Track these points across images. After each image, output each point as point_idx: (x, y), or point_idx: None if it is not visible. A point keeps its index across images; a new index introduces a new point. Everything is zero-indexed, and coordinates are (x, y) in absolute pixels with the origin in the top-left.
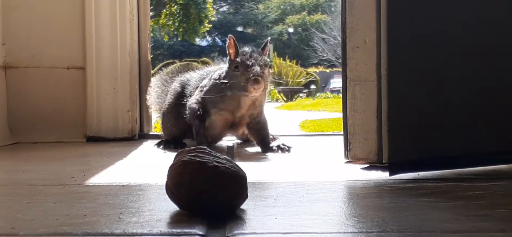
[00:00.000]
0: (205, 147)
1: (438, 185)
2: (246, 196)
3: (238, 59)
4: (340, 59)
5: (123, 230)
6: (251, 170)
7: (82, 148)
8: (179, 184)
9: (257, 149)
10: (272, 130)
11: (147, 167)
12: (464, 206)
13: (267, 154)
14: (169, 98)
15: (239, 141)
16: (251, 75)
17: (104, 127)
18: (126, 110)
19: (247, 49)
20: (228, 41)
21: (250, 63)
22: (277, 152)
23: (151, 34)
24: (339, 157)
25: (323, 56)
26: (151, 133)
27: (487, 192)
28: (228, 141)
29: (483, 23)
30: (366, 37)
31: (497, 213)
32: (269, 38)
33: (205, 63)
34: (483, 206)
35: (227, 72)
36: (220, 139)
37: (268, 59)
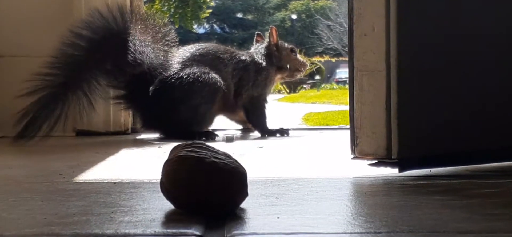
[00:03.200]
0: (203, 142)
1: (451, 182)
2: (246, 194)
3: (287, 44)
4: (347, 48)
5: (115, 230)
6: (252, 166)
7: (71, 142)
8: (175, 181)
9: (257, 136)
10: (273, 123)
11: (140, 163)
12: (479, 205)
13: (266, 141)
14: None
15: (237, 133)
16: (303, 60)
17: (95, 120)
18: None
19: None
20: (270, 30)
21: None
22: (275, 135)
23: None
24: (346, 152)
25: (329, 44)
26: None
27: (503, 190)
28: (227, 132)
29: (503, 7)
30: (375, 24)
31: None
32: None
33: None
34: (499, 204)
35: (271, 57)
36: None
37: None
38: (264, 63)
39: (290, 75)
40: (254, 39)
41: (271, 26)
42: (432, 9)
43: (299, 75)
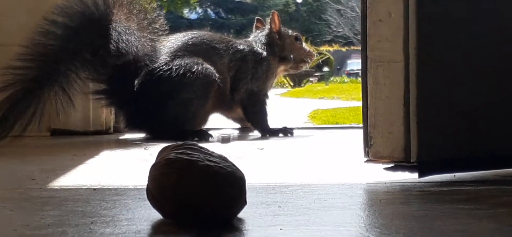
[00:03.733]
0: (195, 142)
1: (478, 189)
2: (245, 202)
3: (292, 31)
4: (359, 36)
5: None
6: (251, 170)
7: (46, 143)
8: (163, 187)
9: (256, 136)
10: (276, 121)
11: (124, 166)
12: (509, 214)
13: (267, 141)
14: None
15: (235, 132)
16: (309, 49)
17: (73, 118)
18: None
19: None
20: (272, 16)
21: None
22: (278, 135)
23: None
24: (358, 155)
25: (338, 31)
26: None
27: None
28: (223, 132)
29: None
30: (391, 9)
31: None
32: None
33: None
34: None
35: (272, 45)
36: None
37: None
38: (264, 53)
39: (295, 67)
40: (254, 26)
41: (272, 11)
42: None
43: (305, 67)
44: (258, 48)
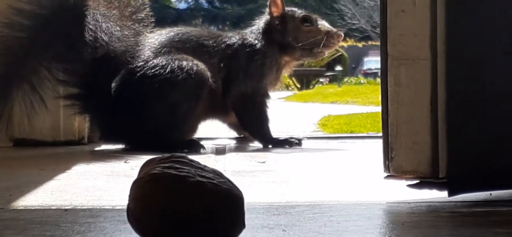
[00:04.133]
0: (185, 155)
1: None
2: (243, 225)
3: (301, 12)
4: (378, 29)
5: None
6: (251, 188)
7: (7, 155)
8: (147, 207)
9: (257, 147)
10: (280, 130)
11: (100, 183)
12: None
13: (270, 153)
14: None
15: (231, 142)
16: (331, 28)
17: (40, 126)
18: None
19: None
20: None
21: (314, 16)
22: (283, 146)
23: None
24: (377, 169)
25: (354, 24)
26: None
27: None
28: (218, 142)
29: None
30: None
31: None
32: None
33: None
34: None
35: (278, 31)
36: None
37: None
38: (258, 44)
39: (306, 54)
40: (266, 12)
41: None
42: None
43: (325, 51)
44: (251, 39)
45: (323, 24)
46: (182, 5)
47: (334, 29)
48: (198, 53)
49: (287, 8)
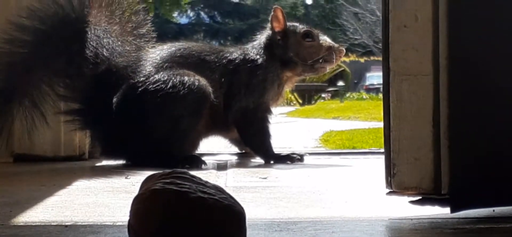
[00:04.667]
0: (186, 170)
1: None
2: None
3: (302, 27)
4: (380, 44)
5: None
6: (252, 204)
7: (8, 170)
8: (148, 223)
9: (259, 162)
10: (281, 145)
11: (101, 198)
12: None
13: (272, 169)
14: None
15: (233, 158)
16: (332, 43)
17: (40, 141)
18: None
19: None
20: (273, 13)
21: (315, 31)
22: (284, 162)
23: None
24: (379, 185)
25: (356, 39)
26: None
27: None
28: (219, 158)
29: None
30: (418, 11)
31: None
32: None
33: None
34: None
35: (280, 46)
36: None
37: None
38: (259, 59)
39: (308, 70)
40: (268, 27)
41: (275, 6)
42: None
43: (326, 67)
44: (252, 54)
45: (325, 39)
46: (184, 20)
47: (336, 45)
48: (200, 69)
49: (289, 23)
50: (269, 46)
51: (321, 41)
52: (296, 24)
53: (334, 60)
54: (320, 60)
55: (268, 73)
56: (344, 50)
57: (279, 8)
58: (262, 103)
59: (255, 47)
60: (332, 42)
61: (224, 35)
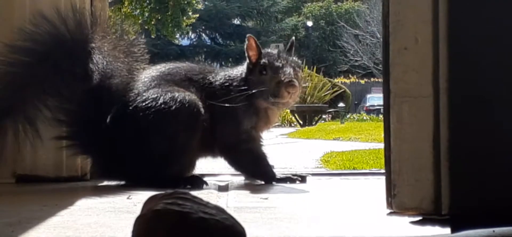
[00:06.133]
0: (187, 191)
1: None
2: None
3: (264, 61)
4: (381, 66)
5: None
6: (253, 224)
7: (10, 191)
8: None
9: (259, 183)
10: (282, 166)
11: (103, 219)
12: None
13: (273, 189)
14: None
15: (233, 179)
16: (284, 77)
17: (42, 162)
18: None
19: (272, 50)
20: (247, 41)
21: (280, 64)
22: (285, 182)
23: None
24: (380, 206)
25: (356, 60)
26: None
27: None
28: (220, 178)
29: None
30: (418, 34)
31: None
32: (293, 38)
33: None
34: None
35: (246, 79)
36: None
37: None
38: (231, 87)
39: (267, 102)
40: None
41: (248, 34)
42: (496, 10)
43: (279, 101)
44: (229, 81)
45: (285, 72)
46: (185, 42)
47: (288, 79)
48: (186, 87)
49: (265, 50)
50: (248, 73)
51: (279, 74)
52: (272, 51)
53: (283, 96)
54: (269, 96)
55: (238, 103)
56: (296, 86)
57: (252, 37)
58: (241, 134)
59: (235, 73)
60: (288, 76)
61: (225, 57)
